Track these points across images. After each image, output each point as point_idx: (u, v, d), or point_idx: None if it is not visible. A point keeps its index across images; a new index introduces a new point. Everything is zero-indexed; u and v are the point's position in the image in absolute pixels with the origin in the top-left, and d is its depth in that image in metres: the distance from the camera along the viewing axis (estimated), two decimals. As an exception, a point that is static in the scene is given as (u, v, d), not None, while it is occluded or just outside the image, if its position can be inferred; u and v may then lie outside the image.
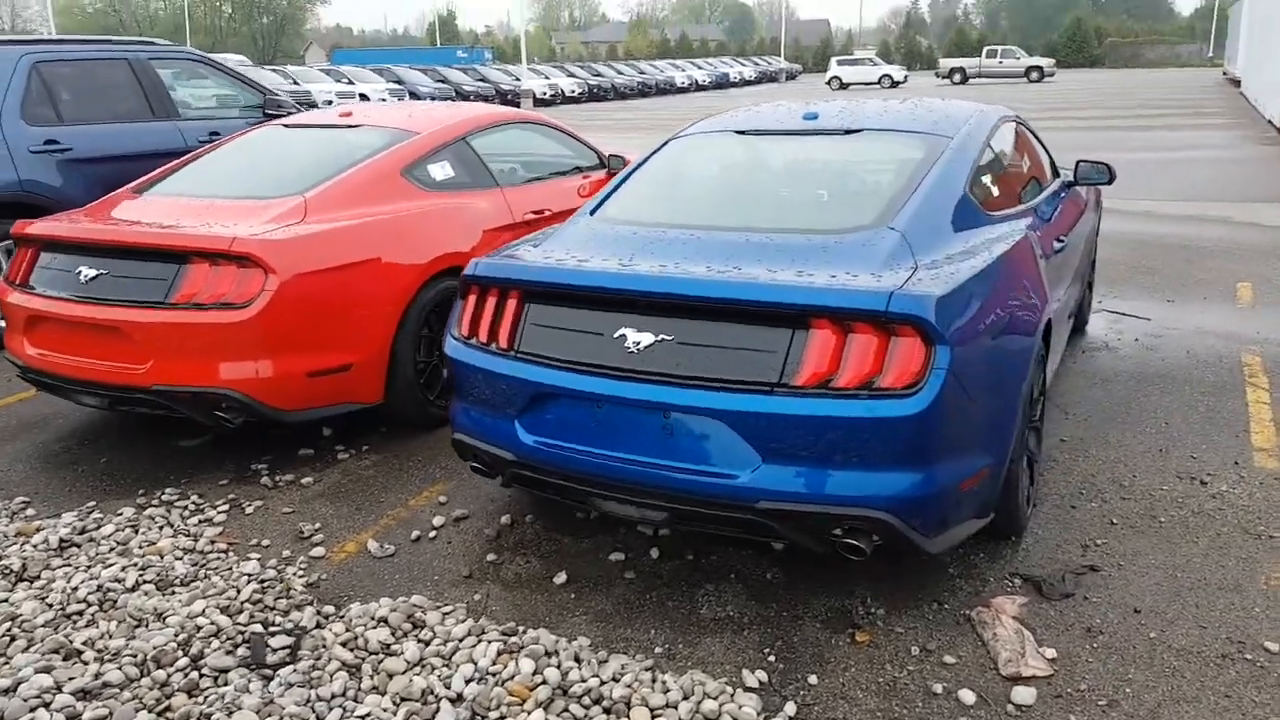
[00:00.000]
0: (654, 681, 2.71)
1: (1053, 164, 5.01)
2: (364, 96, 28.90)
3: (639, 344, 2.87)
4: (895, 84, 47.12)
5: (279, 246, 3.82)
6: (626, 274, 2.96)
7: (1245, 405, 4.71)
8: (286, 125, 5.15)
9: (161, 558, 3.43)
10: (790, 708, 2.64)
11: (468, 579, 3.31)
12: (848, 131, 3.90)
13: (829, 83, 48.06)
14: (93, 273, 3.97)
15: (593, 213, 3.63)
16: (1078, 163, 4.93)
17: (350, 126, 4.88)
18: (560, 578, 3.27)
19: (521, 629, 2.98)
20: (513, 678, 2.69)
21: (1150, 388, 5.00)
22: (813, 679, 2.76)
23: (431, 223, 4.40)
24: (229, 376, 3.82)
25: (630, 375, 2.85)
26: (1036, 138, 4.95)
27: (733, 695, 2.66)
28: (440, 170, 4.65)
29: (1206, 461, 4.11)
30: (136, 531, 3.64)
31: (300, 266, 3.85)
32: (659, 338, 2.86)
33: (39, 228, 4.18)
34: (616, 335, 2.91)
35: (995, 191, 3.80)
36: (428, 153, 4.64)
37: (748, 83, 56.72)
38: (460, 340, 3.26)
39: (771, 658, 2.86)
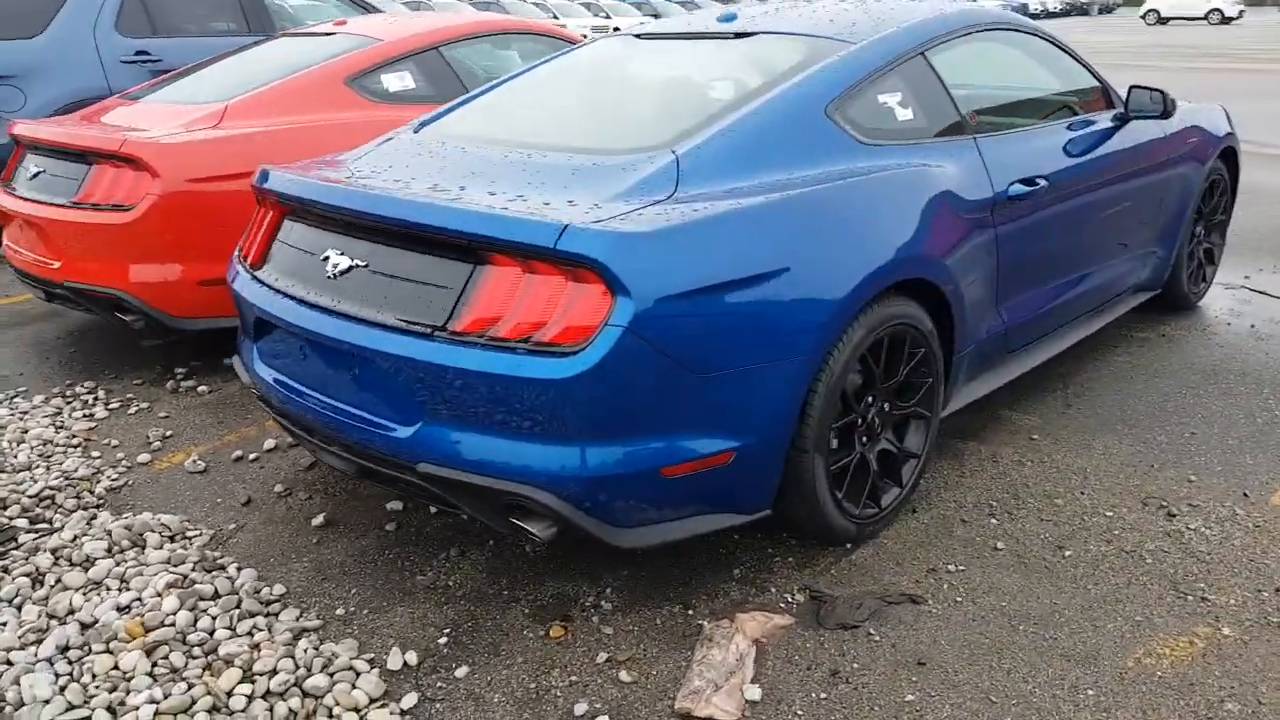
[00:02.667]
0: (289, 645, 2.45)
1: (1107, 94, 3.99)
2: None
3: (336, 268, 2.55)
4: (1226, 20, 40.77)
5: (168, 150, 3.78)
6: (325, 187, 2.62)
7: (1322, 423, 3.61)
8: (288, 34, 5.12)
9: (16, 446, 3.56)
10: (410, 699, 2.29)
11: (245, 505, 3.17)
12: (739, 35, 3.29)
13: (1144, 17, 42.29)
14: (34, 170, 4.14)
15: (420, 126, 3.28)
16: (1130, 89, 3.89)
17: (328, 34, 4.76)
18: (319, 519, 3.05)
19: (233, 566, 2.80)
20: (147, 614, 2.52)
21: (1212, 388, 3.95)
22: (462, 671, 2.38)
23: (364, 134, 4.18)
24: (122, 279, 3.86)
25: (322, 308, 2.54)
26: (1073, 55, 3.93)
27: (357, 675, 2.35)
28: (397, 80, 4.44)
29: (1203, 487, 3.18)
30: (21, 420, 3.79)
31: (192, 172, 3.80)
32: (354, 263, 2.53)
33: (19, 129, 4.41)
34: (323, 258, 2.60)
35: (904, 115, 3.03)
36: (383, 61, 4.43)
37: (1051, 15, 51.32)
38: (236, 255, 3.07)
39: (442, 640, 2.50)
